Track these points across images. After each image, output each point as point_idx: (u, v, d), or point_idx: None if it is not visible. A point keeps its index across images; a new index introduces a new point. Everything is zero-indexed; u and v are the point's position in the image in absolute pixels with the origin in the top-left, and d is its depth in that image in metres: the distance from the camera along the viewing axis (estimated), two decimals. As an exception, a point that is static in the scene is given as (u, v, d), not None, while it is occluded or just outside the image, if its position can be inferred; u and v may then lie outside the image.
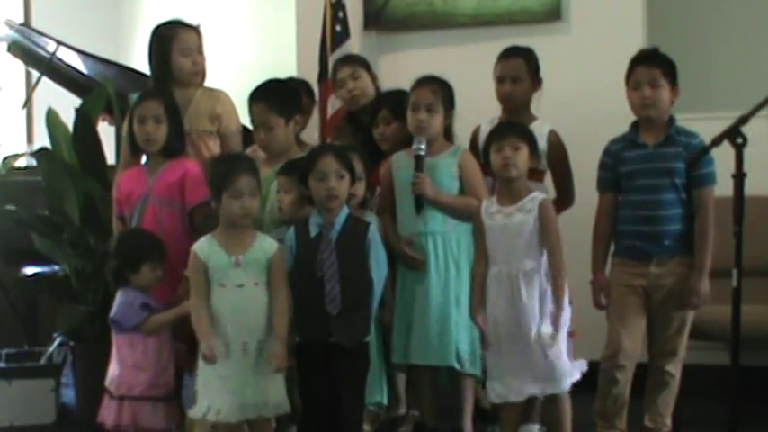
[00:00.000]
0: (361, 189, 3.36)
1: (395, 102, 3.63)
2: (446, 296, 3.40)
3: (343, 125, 4.16)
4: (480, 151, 3.66)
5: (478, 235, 3.36)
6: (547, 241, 3.23)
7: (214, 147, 3.71)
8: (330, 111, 4.54)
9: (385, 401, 3.50)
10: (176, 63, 3.64)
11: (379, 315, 3.39)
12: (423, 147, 3.40)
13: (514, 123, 3.47)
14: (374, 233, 3.18)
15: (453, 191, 3.47)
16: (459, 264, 3.43)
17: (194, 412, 3.11)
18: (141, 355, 3.28)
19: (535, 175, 3.51)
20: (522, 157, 3.26)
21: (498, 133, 3.32)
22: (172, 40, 3.63)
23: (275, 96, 3.54)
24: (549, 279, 3.23)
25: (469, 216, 3.41)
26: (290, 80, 4.15)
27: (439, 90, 3.46)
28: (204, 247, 3.10)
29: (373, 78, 4.06)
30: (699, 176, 3.33)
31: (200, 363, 3.08)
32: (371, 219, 3.38)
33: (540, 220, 3.23)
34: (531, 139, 3.31)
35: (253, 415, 3.09)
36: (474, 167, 3.50)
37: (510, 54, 3.75)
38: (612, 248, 3.50)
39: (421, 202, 3.41)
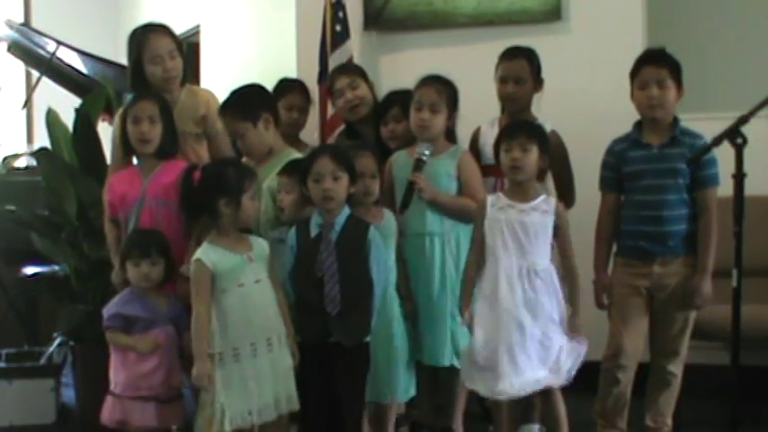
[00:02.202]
0: (376, 187, 3.33)
1: (407, 100, 3.60)
2: (447, 296, 3.40)
3: (341, 141, 4.12)
4: (481, 151, 3.68)
5: (477, 232, 3.29)
6: (564, 244, 3.21)
7: (200, 149, 3.70)
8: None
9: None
10: (148, 71, 3.59)
11: (404, 311, 3.39)
12: (427, 153, 3.38)
13: (525, 123, 3.41)
14: (374, 234, 3.18)
15: (451, 191, 3.45)
16: (458, 264, 3.42)
17: (213, 420, 3.02)
18: (121, 356, 3.28)
19: (537, 174, 3.50)
20: (532, 158, 3.19)
21: (508, 133, 3.26)
22: (142, 47, 3.59)
23: (234, 103, 3.51)
24: (561, 281, 3.21)
25: (466, 217, 3.39)
26: (282, 81, 4.13)
27: (443, 90, 3.44)
28: (209, 254, 3.04)
29: (370, 86, 4.01)
30: (702, 178, 3.33)
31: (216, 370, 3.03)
32: (388, 215, 3.38)
33: (558, 224, 3.19)
34: (541, 139, 3.24)
35: (273, 415, 3.06)
36: (472, 169, 3.49)
37: (513, 55, 3.72)
38: (615, 248, 3.50)
39: (407, 201, 3.38)
